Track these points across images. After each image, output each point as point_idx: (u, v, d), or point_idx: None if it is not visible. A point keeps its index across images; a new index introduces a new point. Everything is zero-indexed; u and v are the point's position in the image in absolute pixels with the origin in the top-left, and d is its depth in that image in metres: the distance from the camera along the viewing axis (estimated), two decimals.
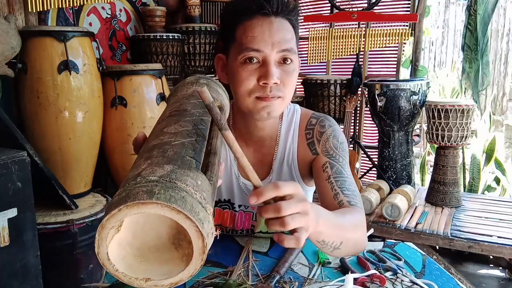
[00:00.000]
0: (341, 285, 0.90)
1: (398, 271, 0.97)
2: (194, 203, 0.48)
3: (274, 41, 0.93)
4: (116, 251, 0.49)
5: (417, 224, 2.36)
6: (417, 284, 0.93)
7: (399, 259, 1.05)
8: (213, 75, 3.44)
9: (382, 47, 3.06)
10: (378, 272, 0.96)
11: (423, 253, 1.10)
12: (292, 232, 0.64)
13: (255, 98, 0.97)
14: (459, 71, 3.32)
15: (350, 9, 3.06)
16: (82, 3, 2.39)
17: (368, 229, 1.18)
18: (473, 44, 3.07)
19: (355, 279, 0.90)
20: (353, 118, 3.04)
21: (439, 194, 2.62)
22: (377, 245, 1.13)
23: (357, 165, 3.22)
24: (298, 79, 1.06)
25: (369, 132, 3.31)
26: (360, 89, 2.98)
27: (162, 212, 0.45)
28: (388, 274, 0.97)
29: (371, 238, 1.03)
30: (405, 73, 3.46)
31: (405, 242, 1.16)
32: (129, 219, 0.48)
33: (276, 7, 0.94)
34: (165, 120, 0.66)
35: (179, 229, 0.50)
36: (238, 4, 0.98)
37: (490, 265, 2.77)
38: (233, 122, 1.12)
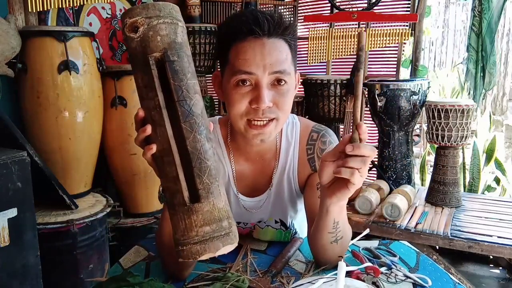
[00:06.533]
0: (335, 278, 0.90)
1: (393, 266, 0.98)
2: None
3: (266, 63, 0.91)
4: None
5: (417, 224, 2.36)
6: (410, 278, 0.93)
7: (394, 256, 1.06)
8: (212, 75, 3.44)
9: (382, 47, 3.07)
10: None
11: (417, 250, 1.11)
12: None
13: (247, 122, 0.96)
14: (460, 70, 3.31)
15: (350, 9, 3.06)
16: (82, 3, 2.40)
17: (365, 229, 1.20)
18: (480, 46, 3.07)
19: (350, 272, 0.91)
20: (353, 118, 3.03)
21: (439, 194, 2.62)
22: (373, 243, 1.13)
23: None
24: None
25: (369, 132, 3.30)
26: None
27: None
28: (382, 269, 0.97)
29: (369, 237, 1.04)
30: (405, 73, 3.46)
31: (400, 241, 1.17)
32: None
33: (267, 29, 0.92)
34: None
35: None
36: (230, 26, 0.96)
37: (490, 265, 2.76)
38: (231, 137, 1.11)
